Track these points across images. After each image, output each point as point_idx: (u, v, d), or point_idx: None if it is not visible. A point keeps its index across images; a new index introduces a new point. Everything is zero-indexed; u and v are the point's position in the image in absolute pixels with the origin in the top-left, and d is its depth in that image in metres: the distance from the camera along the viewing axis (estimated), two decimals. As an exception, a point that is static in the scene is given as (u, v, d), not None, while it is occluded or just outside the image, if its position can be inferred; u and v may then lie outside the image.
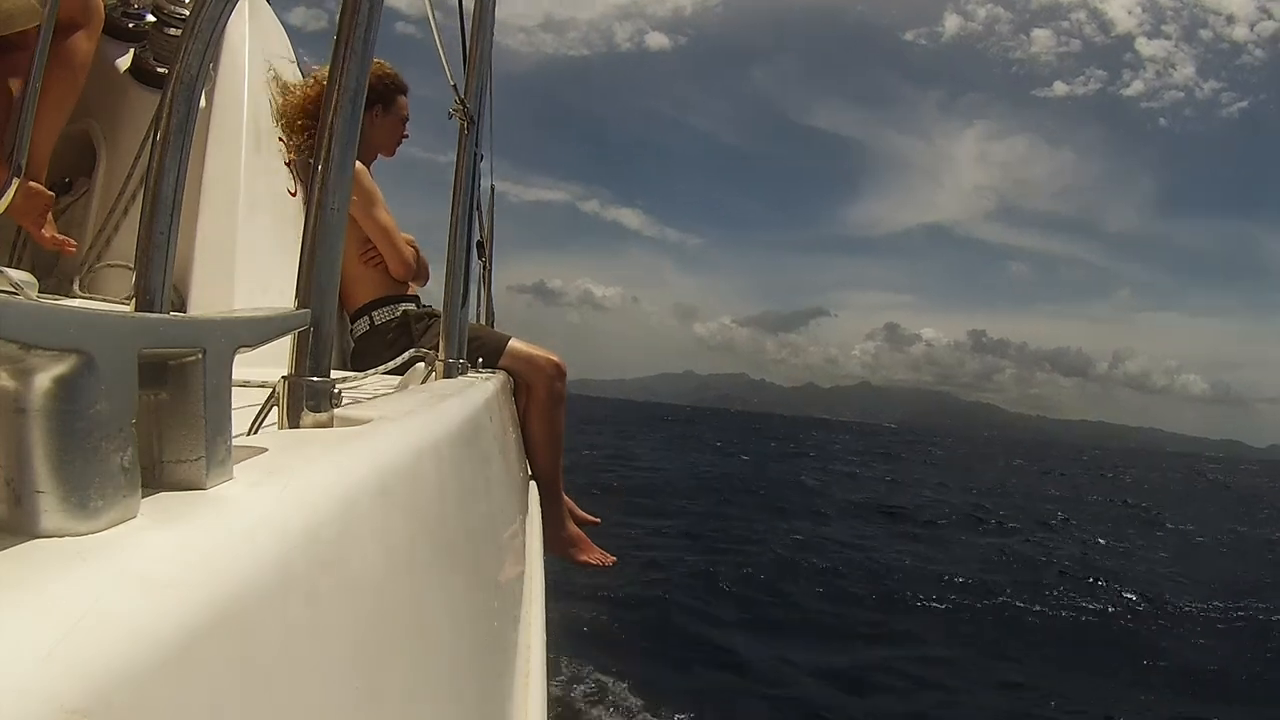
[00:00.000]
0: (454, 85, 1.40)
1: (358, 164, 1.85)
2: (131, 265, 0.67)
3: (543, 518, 2.19)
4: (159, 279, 0.48)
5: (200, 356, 0.33)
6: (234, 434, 0.36)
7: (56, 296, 1.64)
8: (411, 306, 2.37)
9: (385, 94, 2.33)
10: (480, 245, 3.43)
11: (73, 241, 1.78)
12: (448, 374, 1.37)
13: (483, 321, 3.70)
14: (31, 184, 1.61)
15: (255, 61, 2.09)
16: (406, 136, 2.45)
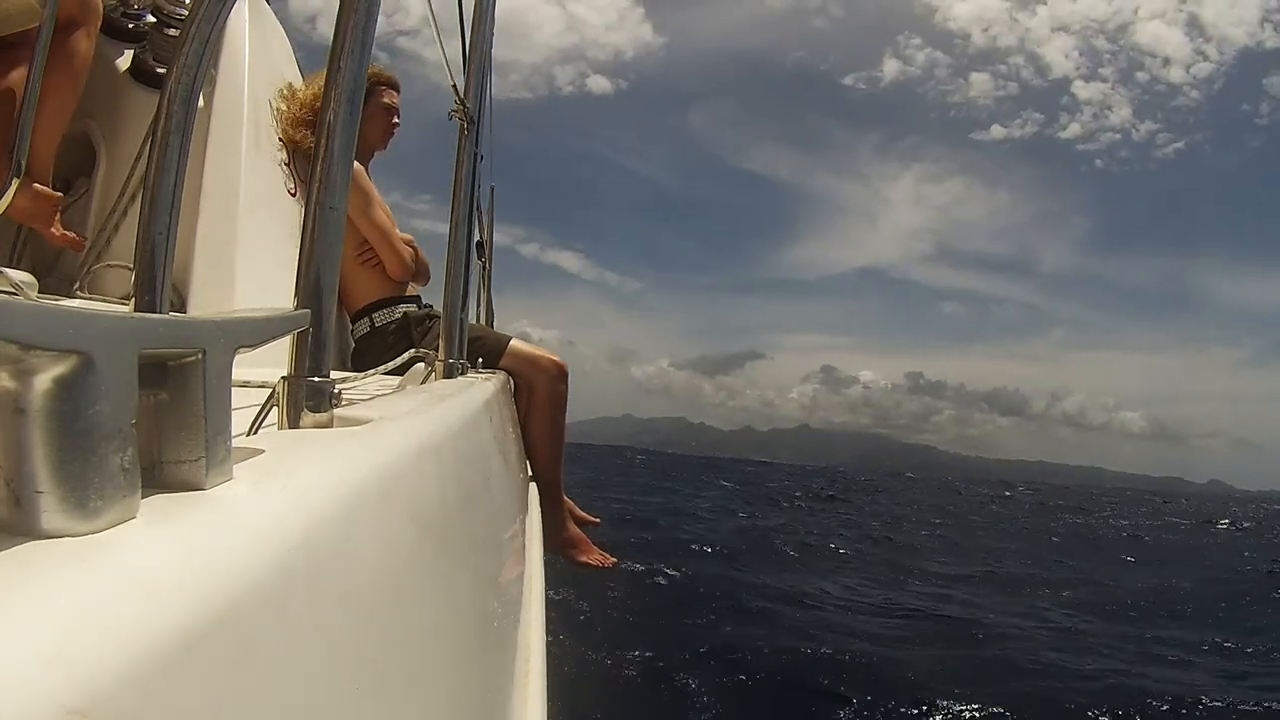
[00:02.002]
0: (454, 85, 1.40)
1: (355, 164, 1.85)
2: (131, 265, 0.67)
3: (543, 518, 2.19)
4: (158, 279, 0.48)
5: (200, 357, 0.33)
6: (234, 434, 0.36)
7: (56, 296, 1.64)
8: (412, 308, 2.37)
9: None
10: (480, 245, 3.43)
11: (79, 238, 1.78)
12: (448, 374, 1.37)
13: (483, 322, 3.70)
14: (39, 187, 1.63)
15: (255, 61, 2.09)
16: (398, 125, 2.45)
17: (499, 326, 3.94)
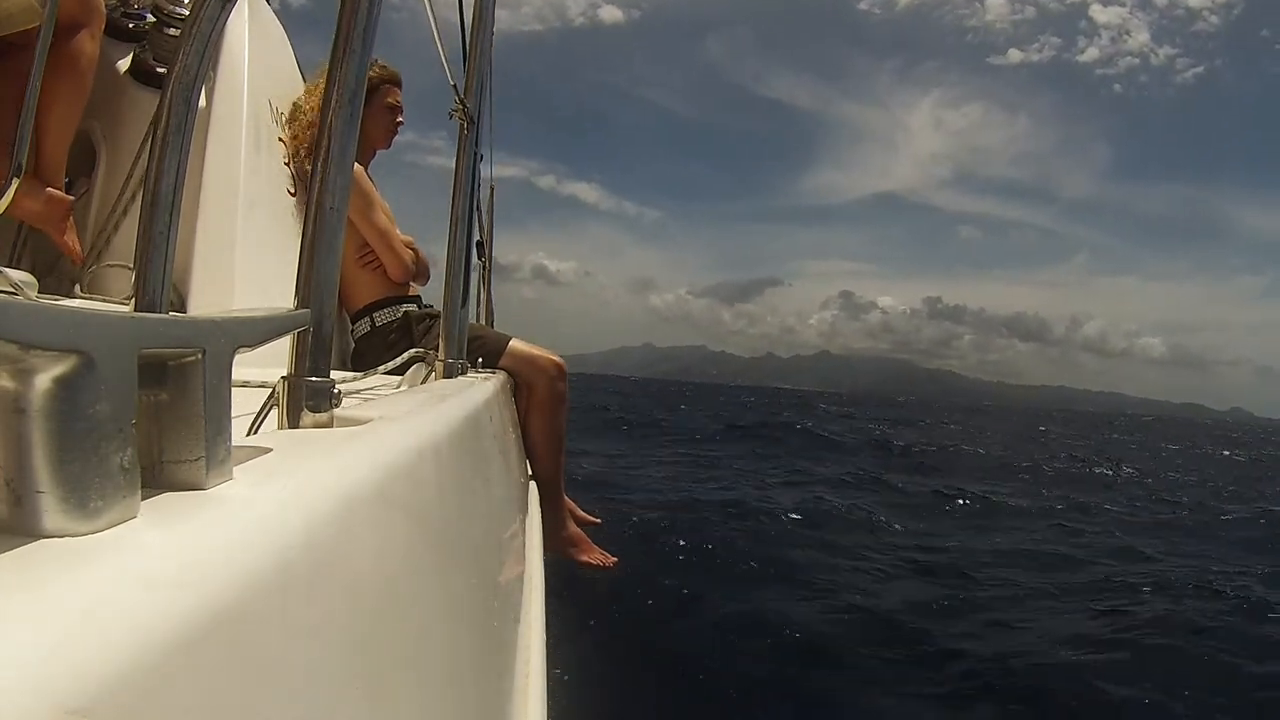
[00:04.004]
0: (454, 85, 1.40)
1: (356, 165, 1.86)
2: (131, 265, 0.67)
3: (543, 518, 2.19)
4: (159, 279, 0.48)
5: (200, 356, 0.33)
6: (234, 434, 0.36)
7: (56, 296, 1.64)
8: (413, 308, 2.38)
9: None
10: (480, 245, 3.43)
11: (80, 254, 1.80)
12: (448, 374, 1.37)
13: (483, 321, 3.70)
14: (53, 191, 1.64)
15: (255, 61, 2.09)
16: (401, 124, 2.45)
17: (499, 325, 3.93)
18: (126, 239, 1.91)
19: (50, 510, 0.25)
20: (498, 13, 1.55)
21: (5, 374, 0.24)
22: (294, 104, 2.21)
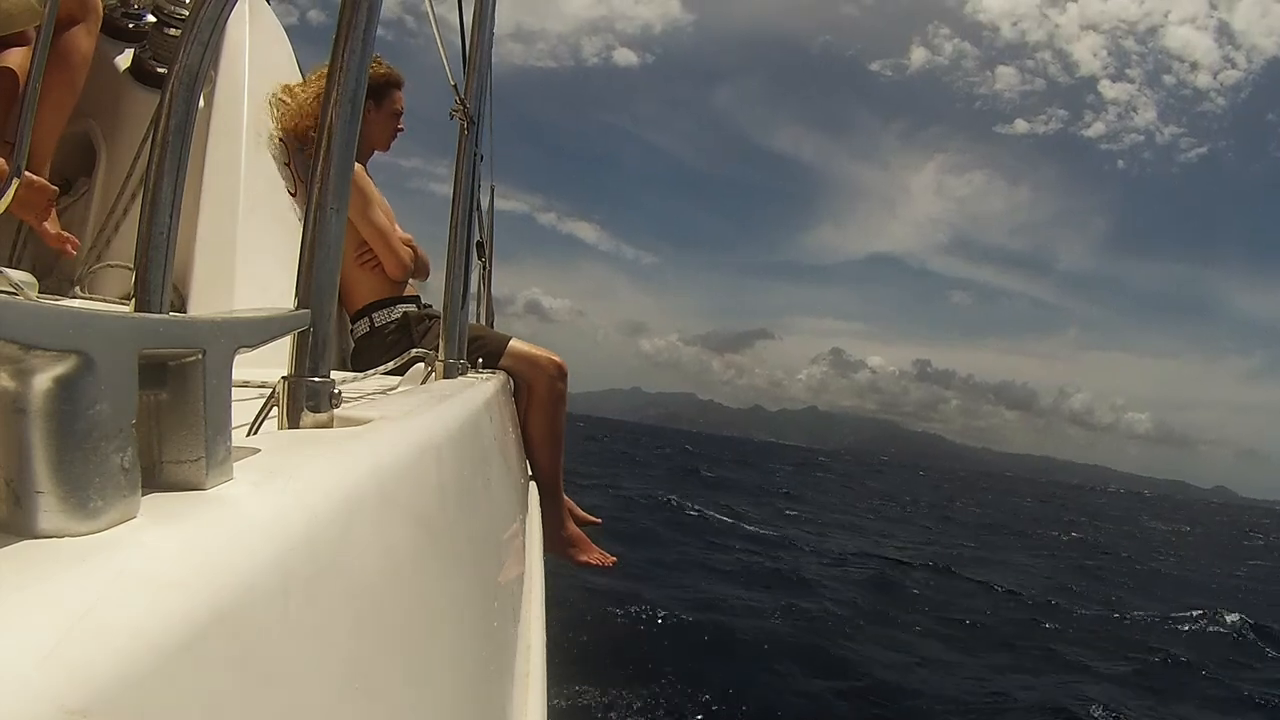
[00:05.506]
0: (454, 85, 1.40)
1: (355, 165, 1.85)
2: (131, 265, 0.67)
3: (543, 518, 2.19)
4: (159, 279, 0.48)
5: (200, 357, 0.33)
6: (234, 434, 0.36)
7: (56, 296, 1.64)
8: (411, 308, 2.37)
9: (377, 89, 2.33)
10: (480, 245, 3.43)
11: (75, 240, 1.77)
12: (448, 374, 1.37)
13: (483, 322, 3.70)
14: (34, 177, 1.60)
15: (255, 61, 2.09)
16: (402, 129, 2.45)
17: (499, 326, 3.93)
18: (126, 239, 1.91)
19: (50, 510, 0.25)
20: (498, 21, 1.55)
21: (5, 374, 0.24)
22: (286, 87, 2.20)
